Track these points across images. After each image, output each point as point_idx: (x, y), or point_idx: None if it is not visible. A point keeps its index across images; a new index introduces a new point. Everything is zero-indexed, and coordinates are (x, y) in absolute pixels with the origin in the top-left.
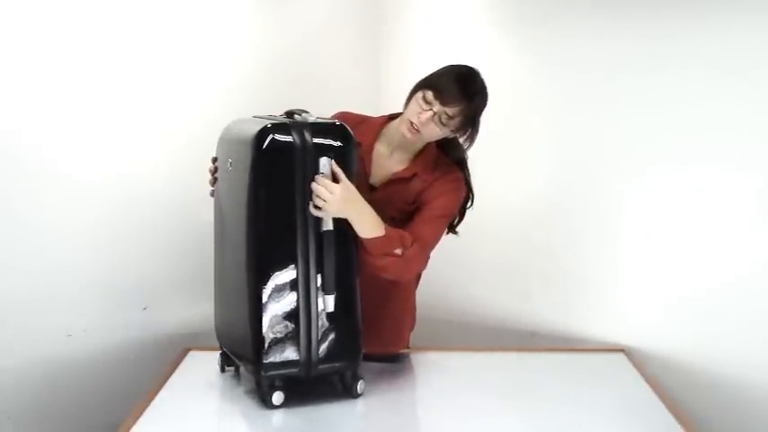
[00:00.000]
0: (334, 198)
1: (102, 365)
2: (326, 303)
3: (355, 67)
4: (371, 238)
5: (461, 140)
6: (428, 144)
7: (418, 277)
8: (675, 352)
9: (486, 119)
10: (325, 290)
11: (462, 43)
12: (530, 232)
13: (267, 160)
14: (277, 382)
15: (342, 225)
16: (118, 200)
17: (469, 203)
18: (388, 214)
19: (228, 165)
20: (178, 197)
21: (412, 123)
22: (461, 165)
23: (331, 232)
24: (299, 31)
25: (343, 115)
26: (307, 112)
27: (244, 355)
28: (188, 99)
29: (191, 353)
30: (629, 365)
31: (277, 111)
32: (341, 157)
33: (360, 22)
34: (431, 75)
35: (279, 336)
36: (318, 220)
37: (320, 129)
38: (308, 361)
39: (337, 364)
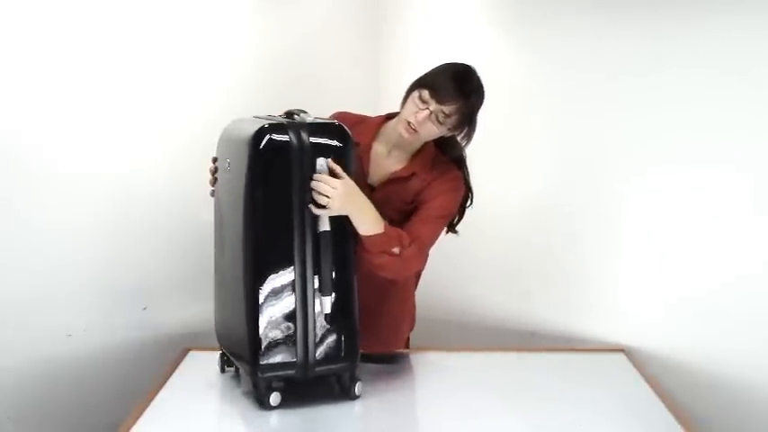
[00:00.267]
0: (337, 193)
1: (102, 365)
2: (323, 305)
3: (355, 67)
4: (370, 236)
5: (459, 138)
6: (426, 143)
7: (417, 277)
8: (675, 352)
9: (485, 118)
10: (323, 291)
11: (462, 43)
12: (530, 232)
13: (264, 160)
14: (274, 384)
15: (339, 224)
16: (118, 200)
17: (469, 202)
18: (386, 215)
19: (227, 165)
20: (178, 197)
21: (409, 123)
22: (460, 163)
23: (328, 233)
24: (298, 31)
25: (341, 115)
26: (305, 112)
27: (241, 356)
28: (188, 99)
29: (191, 353)
30: (629, 365)
31: (277, 111)
32: (339, 156)
33: (360, 22)
34: (426, 74)
35: (276, 337)
36: (315, 221)
37: (318, 129)
38: (305, 362)
39: (334, 366)
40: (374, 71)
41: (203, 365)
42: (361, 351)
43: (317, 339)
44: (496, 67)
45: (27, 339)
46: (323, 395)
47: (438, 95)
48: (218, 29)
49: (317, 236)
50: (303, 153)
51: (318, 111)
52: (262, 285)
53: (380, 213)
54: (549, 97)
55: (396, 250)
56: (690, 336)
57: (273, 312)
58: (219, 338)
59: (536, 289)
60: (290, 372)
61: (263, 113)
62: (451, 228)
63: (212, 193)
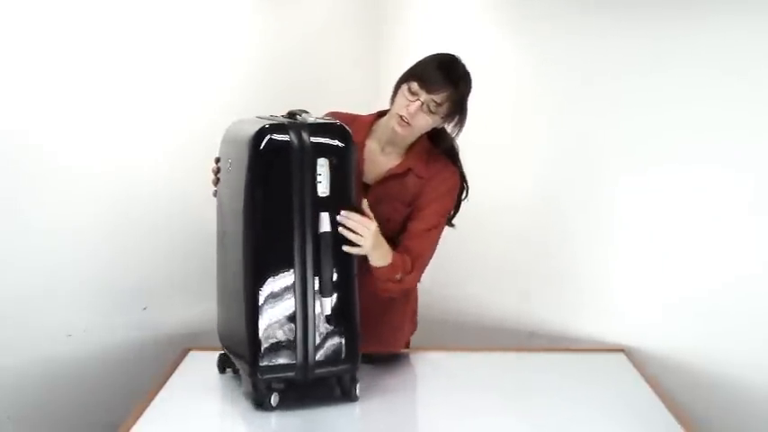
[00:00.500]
0: (371, 233)
1: (102, 365)
2: (324, 306)
3: (355, 68)
4: (379, 267)
5: (451, 128)
6: (419, 138)
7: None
8: (675, 352)
9: (485, 119)
10: (323, 293)
11: (462, 43)
12: (530, 232)
13: (264, 160)
14: (274, 385)
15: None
16: (118, 200)
17: (464, 195)
18: (383, 214)
19: (228, 165)
20: (178, 197)
21: (402, 117)
22: (453, 156)
23: (329, 234)
24: (298, 31)
25: (333, 115)
26: (307, 112)
27: (242, 356)
28: (188, 99)
29: (191, 353)
30: (629, 365)
31: (278, 111)
32: (341, 157)
33: (360, 23)
34: (413, 66)
35: (276, 339)
36: (316, 221)
37: (319, 129)
38: (304, 364)
39: (334, 368)
40: (374, 71)
41: (203, 365)
42: (361, 352)
43: (317, 341)
44: (497, 67)
45: (27, 339)
46: (323, 396)
47: (427, 85)
48: (219, 29)
49: (318, 237)
50: (304, 153)
51: (318, 111)
52: (262, 286)
53: (376, 213)
54: (550, 96)
55: (398, 277)
56: (690, 336)
57: (273, 313)
58: (222, 339)
59: (535, 289)
60: (290, 374)
61: (266, 114)
62: (448, 222)
63: (215, 194)
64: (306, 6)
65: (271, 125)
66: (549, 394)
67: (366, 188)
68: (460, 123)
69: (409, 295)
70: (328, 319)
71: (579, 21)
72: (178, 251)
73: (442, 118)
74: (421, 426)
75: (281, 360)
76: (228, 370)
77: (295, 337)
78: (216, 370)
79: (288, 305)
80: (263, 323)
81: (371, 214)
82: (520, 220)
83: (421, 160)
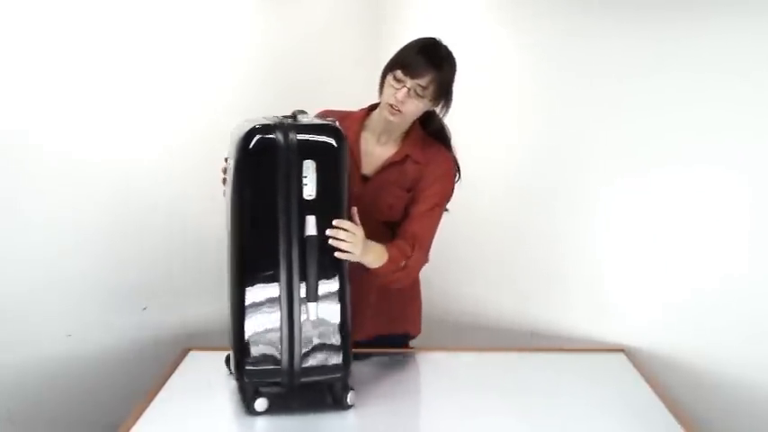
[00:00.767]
0: (358, 239)
1: (103, 365)
2: (309, 311)
3: (356, 67)
4: (379, 266)
5: (438, 111)
6: (413, 125)
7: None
8: (675, 352)
9: (486, 118)
10: (309, 297)
11: (462, 42)
12: (530, 232)
13: (251, 161)
14: (261, 389)
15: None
16: (119, 200)
17: (457, 178)
18: (385, 201)
19: (228, 164)
20: (179, 197)
21: (391, 105)
22: (446, 142)
23: (314, 237)
24: (300, 30)
25: (326, 113)
26: (305, 113)
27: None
28: (189, 99)
29: (191, 353)
30: (629, 365)
31: (279, 110)
32: (329, 159)
33: (361, 22)
34: (395, 55)
35: (262, 342)
36: (302, 224)
37: (307, 130)
38: (290, 370)
39: (323, 375)
40: (375, 71)
41: (203, 365)
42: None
43: (306, 347)
44: (497, 66)
45: (27, 339)
46: (318, 401)
47: (410, 71)
48: (220, 29)
49: (304, 240)
50: (291, 154)
51: (319, 110)
52: (248, 289)
53: (377, 202)
54: (551, 96)
55: (402, 264)
56: (690, 335)
57: (260, 316)
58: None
59: (535, 288)
60: (276, 379)
61: (269, 113)
62: None
63: (225, 193)
64: (307, 6)
65: (261, 125)
66: (550, 394)
67: (365, 180)
68: (447, 104)
69: (417, 279)
70: (316, 324)
71: (581, 21)
72: (178, 251)
73: (431, 100)
74: (421, 426)
75: (267, 365)
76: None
77: (281, 342)
78: (216, 370)
79: (273, 309)
80: (249, 326)
81: (358, 221)
82: (520, 219)
83: (417, 146)
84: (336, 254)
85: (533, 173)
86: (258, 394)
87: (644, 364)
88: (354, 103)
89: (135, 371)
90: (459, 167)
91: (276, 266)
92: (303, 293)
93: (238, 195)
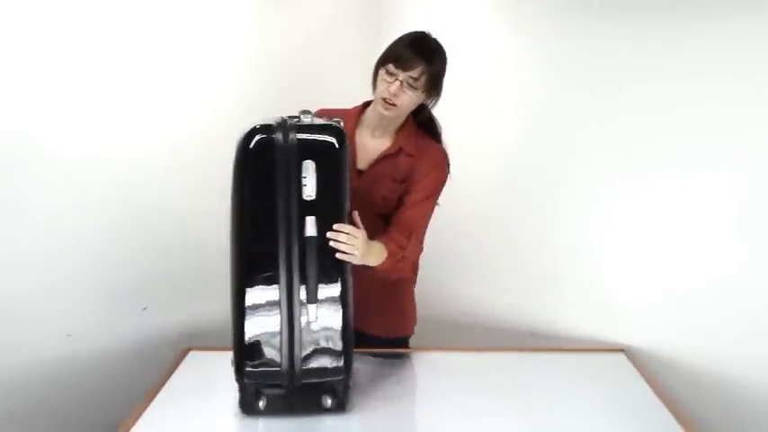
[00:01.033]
0: (360, 242)
1: (102, 365)
2: (309, 313)
3: (357, 66)
4: (380, 264)
5: (428, 103)
6: (406, 120)
7: (415, 270)
8: (675, 352)
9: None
10: (308, 299)
11: (462, 41)
12: (530, 231)
13: (252, 161)
14: (261, 390)
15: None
16: (119, 201)
17: (447, 171)
18: (379, 193)
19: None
20: (179, 197)
21: (385, 100)
22: (437, 136)
23: (314, 238)
24: (300, 30)
25: (322, 111)
26: (310, 112)
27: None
28: (190, 100)
29: (191, 353)
30: (629, 365)
31: (280, 109)
32: (332, 157)
33: (362, 21)
34: (385, 50)
35: (262, 343)
36: (302, 225)
37: (308, 130)
38: (290, 372)
39: (324, 377)
40: None
41: (203, 365)
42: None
43: (306, 349)
44: (497, 66)
45: (27, 339)
46: (319, 402)
47: (402, 63)
48: (221, 28)
49: (304, 241)
50: (290, 154)
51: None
52: (247, 289)
53: (372, 194)
54: (551, 97)
55: (400, 256)
56: (690, 335)
57: (260, 316)
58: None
59: (535, 288)
60: (276, 380)
61: (271, 113)
62: None
63: None
64: (307, 6)
65: (260, 125)
66: (549, 394)
67: (360, 174)
68: (436, 95)
69: (415, 270)
70: (317, 326)
71: (581, 23)
72: (178, 252)
73: (424, 92)
74: (420, 427)
75: (267, 366)
76: None
77: (281, 344)
78: (216, 369)
79: (273, 310)
80: (249, 326)
81: (360, 224)
82: (520, 219)
83: (410, 139)
84: (337, 255)
85: (531, 173)
86: (258, 395)
87: (644, 364)
88: (355, 102)
89: (135, 371)
90: (448, 161)
91: (276, 268)
92: (303, 295)
93: (238, 195)
